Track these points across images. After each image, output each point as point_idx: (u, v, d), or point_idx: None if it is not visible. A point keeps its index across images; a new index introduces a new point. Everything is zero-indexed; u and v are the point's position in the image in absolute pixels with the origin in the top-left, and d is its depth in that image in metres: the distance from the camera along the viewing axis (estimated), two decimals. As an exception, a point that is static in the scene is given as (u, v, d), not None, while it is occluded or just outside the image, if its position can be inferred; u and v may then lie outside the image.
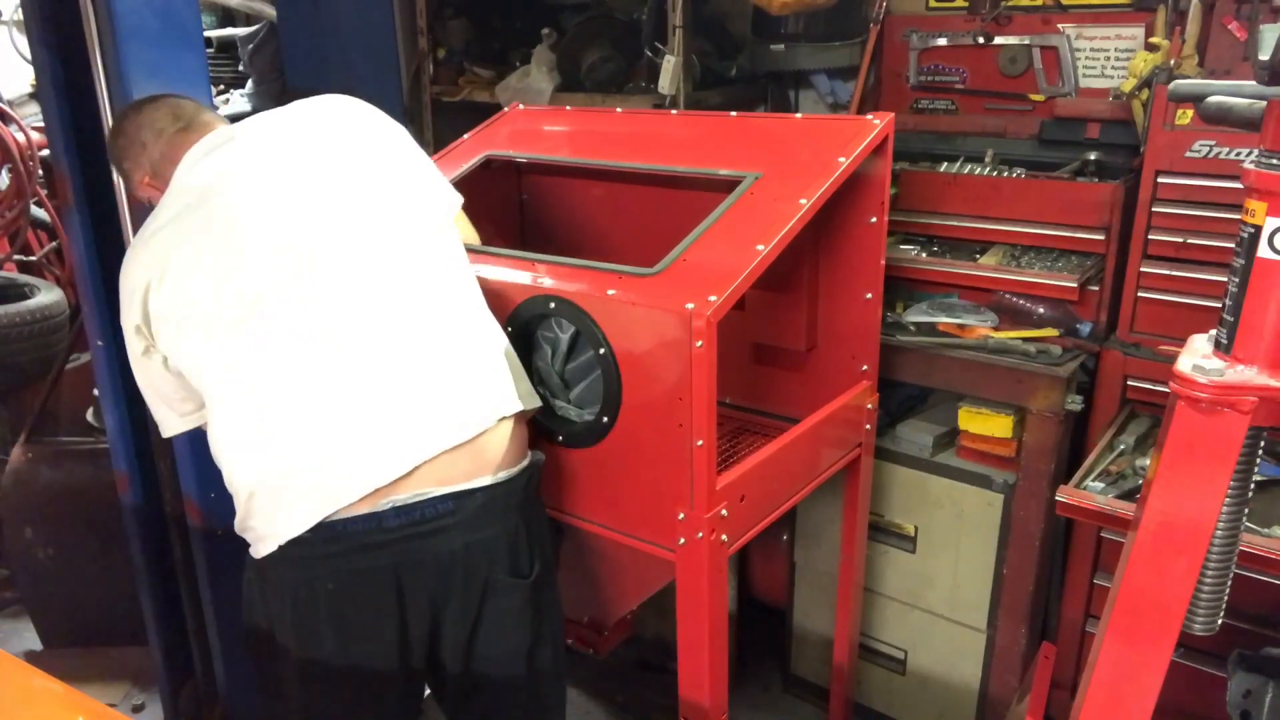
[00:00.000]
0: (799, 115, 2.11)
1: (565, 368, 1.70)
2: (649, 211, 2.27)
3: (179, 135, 1.65)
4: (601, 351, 1.61)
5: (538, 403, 1.66)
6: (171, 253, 1.50)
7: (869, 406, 2.14)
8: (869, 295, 2.07)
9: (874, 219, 2.00)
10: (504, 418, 1.56)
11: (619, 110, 2.49)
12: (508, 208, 2.52)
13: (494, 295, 1.74)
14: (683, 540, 1.62)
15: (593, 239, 2.39)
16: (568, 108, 2.71)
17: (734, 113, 2.14)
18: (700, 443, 1.53)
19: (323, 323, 1.49)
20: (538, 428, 1.75)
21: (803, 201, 1.70)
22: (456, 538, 1.51)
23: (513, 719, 1.73)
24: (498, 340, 1.64)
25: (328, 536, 1.46)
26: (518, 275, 1.73)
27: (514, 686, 1.67)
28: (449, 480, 1.49)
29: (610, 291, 1.59)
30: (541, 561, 1.64)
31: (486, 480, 1.53)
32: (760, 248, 1.60)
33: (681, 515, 1.60)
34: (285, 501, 1.46)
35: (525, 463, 1.62)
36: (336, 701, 1.56)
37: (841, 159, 1.80)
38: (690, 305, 1.48)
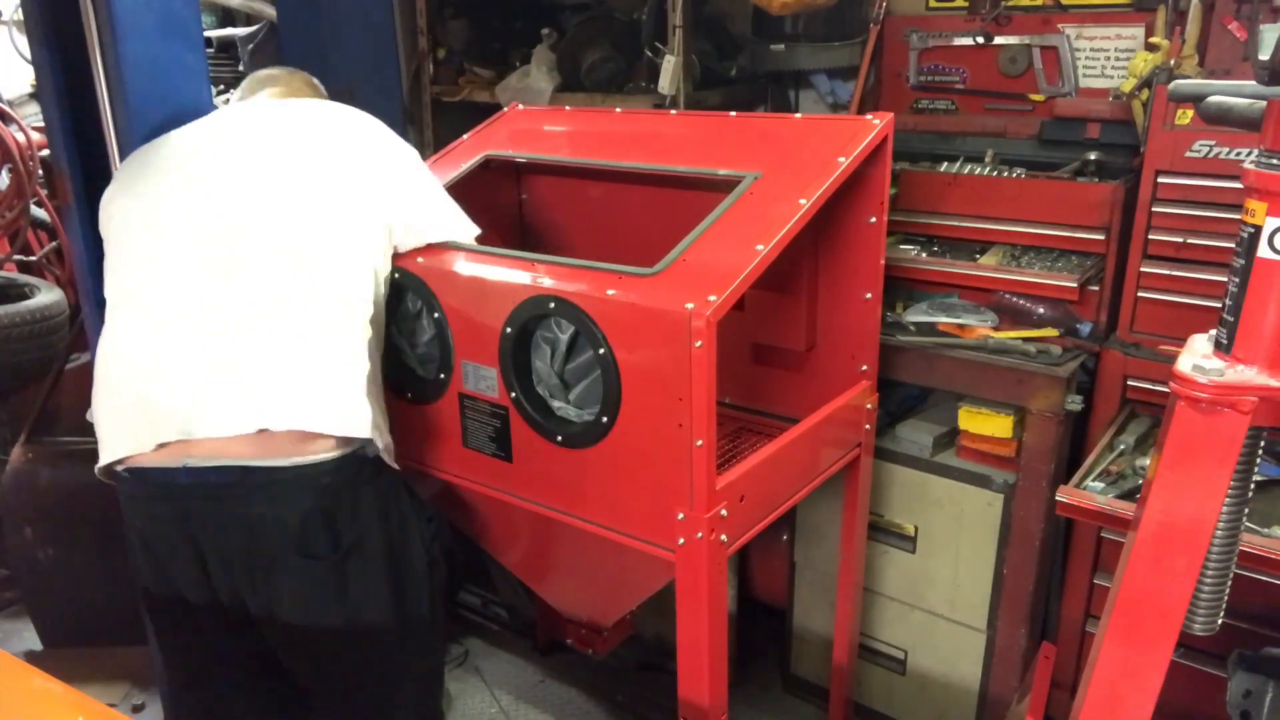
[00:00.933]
0: (798, 115, 2.11)
1: (565, 368, 1.70)
2: (648, 212, 2.27)
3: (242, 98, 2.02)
4: (601, 352, 1.61)
5: (355, 433, 1.64)
6: (144, 174, 1.77)
7: (869, 406, 2.14)
8: (869, 295, 2.06)
9: (873, 219, 2.00)
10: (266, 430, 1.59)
11: (618, 110, 2.49)
12: (506, 208, 2.52)
13: (493, 295, 1.74)
14: (682, 540, 1.62)
15: (592, 239, 2.39)
16: (566, 108, 2.71)
17: (733, 113, 2.14)
18: (700, 443, 1.53)
19: (198, 290, 1.64)
20: (537, 428, 1.75)
21: (802, 201, 1.70)
22: (237, 508, 1.60)
23: (339, 685, 1.80)
24: (326, 361, 1.65)
25: (137, 479, 1.64)
26: (517, 275, 1.73)
27: (333, 656, 1.75)
28: (238, 455, 1.58)
29: (610, 292, 1.59)
30: (352, 545, 1.66)
31: (274, 462, 1.59)
32: (760, 248, 1.60)
33: (681, 515, 1.60)
34: (111, 430, 1.65)
35: (330, 455, 1.62)
36: (169, 622, 1.76)
37: (841, 159, 1.80)
38: (690, 305, 1.48)
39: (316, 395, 1.63)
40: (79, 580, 2.84)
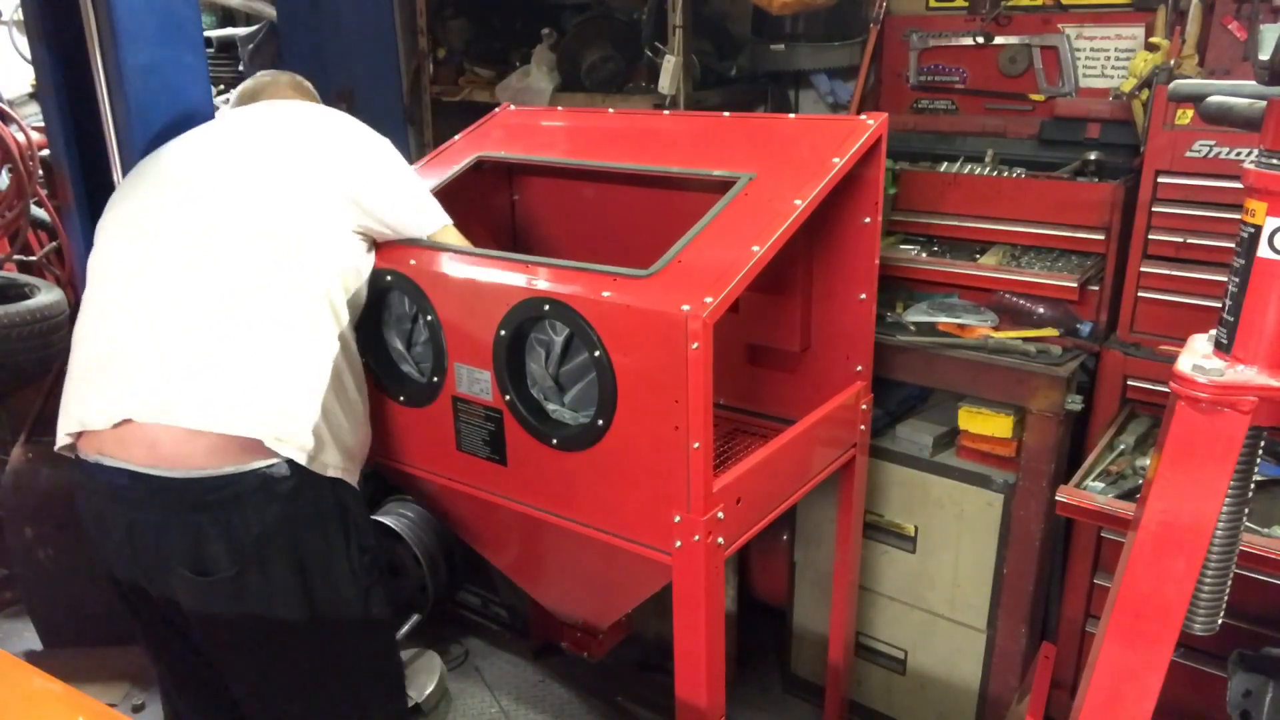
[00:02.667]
0: (792, 115, 2.10)
1: (560, 370, 1.70)
2: (641, 213, 2.26)
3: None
4: (596, 354, 1.60)
5: (240, 432, 1.57)
6: (140, 182, 1.81)
7: (863, 407, 2.14)
8: (863, 296, 2.06)
9: (868, 219, 1.99)
10: (130, 420, 1.59)
11: (611, 110, 2.48)
12: (499, 209, 2.51)
13: (487, 297, 1.73)
14: (679, 543, 1.61)
15: (585, 240, 2.38)
16: (559, 108, 2.69)
17: (727, 113, 2.14)
18: (697, 445, 1.53)
19: (177, 281, 1.65)
20: (532, 432, 1.74)
21: (798, 202, 1.69)
22: (126, 511, 1.63)
23: (256, 687, 1.77)
24: (258, 364, 1.61)
25: (75, 465, 1.69)
26: (511, 277, 1.72)
27: (243, 659, 1.74)
28: (131, 459, 1.60)
29: (605, 294, 1.58)
30: (248, 563, 1.60)
31: (157, 471, 1.58)
32: (756, 248, 1.59)
33: (678, 518, 1.60)
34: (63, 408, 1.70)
35: (222, 470, 1.56)
36: (124, 601, 1.78)
37: (836, 159, 1.79)
38: (686, 307, 1.47)
39: (209, 390, 1.58)
40: (79, 580, 2.83)
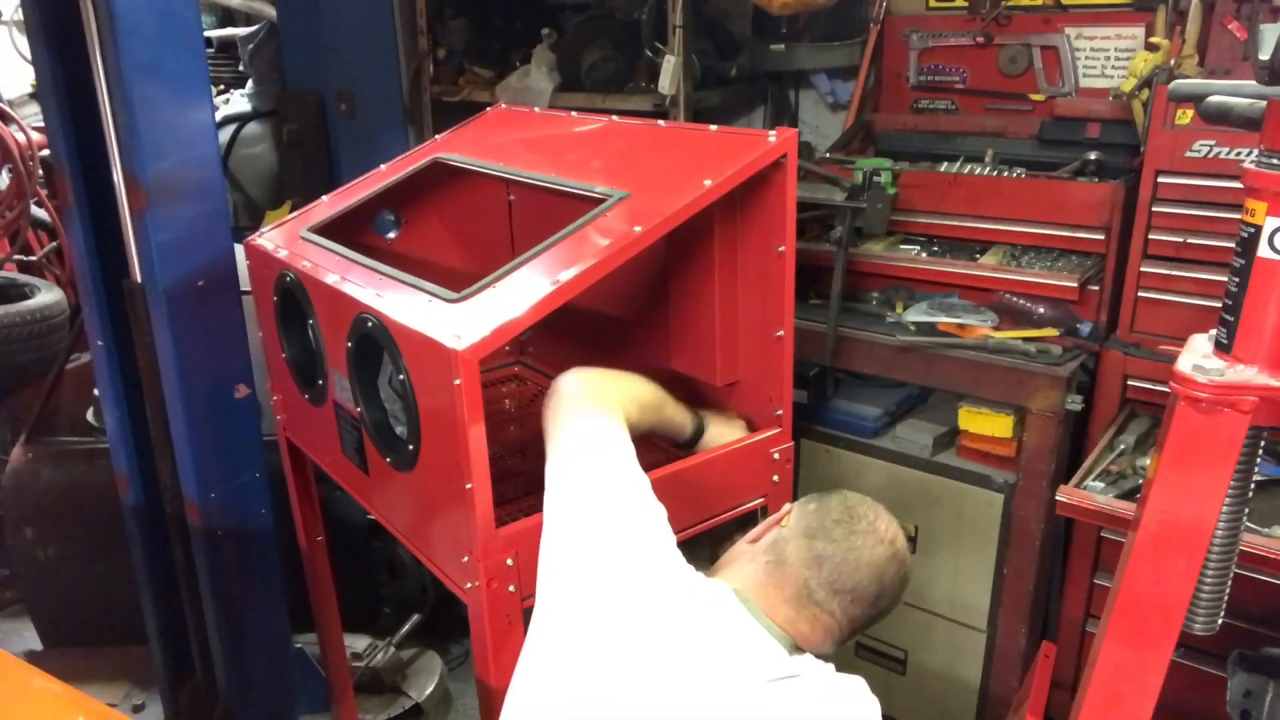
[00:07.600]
0: (714, 128, 1.80)
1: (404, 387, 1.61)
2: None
3: None
4: (401, 377, 1.53)
5: None
6: None
7: (775, 455, 1.80)
8: (780, 333, 1.77)
9: (782, 248, 1.71)
10: None
11: (573, 114, 2.28)
12: (497, 211, 2.45)
13: (341, 305, 1.65)
14: (468, 585, 1.50)
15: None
16: (535, 109, 2.47)
17: (663, 122, 1.99)
18: (469, 486, 1.41)
19: None
20: (375, 445, 1.68)
21: (637, 229, 1.51)
22: None
23: None
24: None
25: None
26: (354, 288, 1.63)
27: None
28: None
29: (408, 316, 1.49)
30: None
31: None
32: (560, 278, 1.45)
33: (465, 558, 1.48)
34: None
35: None
36: None
37: (707, 181, 1.57)
38: (458, 338, 1.37)
39: None
40: (79, 580, 2.84)
